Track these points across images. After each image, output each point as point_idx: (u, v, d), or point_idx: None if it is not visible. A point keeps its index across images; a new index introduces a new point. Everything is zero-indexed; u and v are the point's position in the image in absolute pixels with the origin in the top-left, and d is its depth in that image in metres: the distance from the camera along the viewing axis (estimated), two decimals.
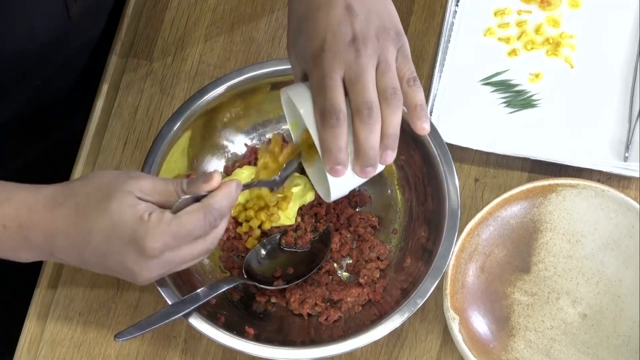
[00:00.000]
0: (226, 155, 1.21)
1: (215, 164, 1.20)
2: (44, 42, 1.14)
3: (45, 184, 1.01)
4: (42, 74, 1.19)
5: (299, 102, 1.00)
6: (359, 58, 0.97)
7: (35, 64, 1.16)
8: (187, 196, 0.99)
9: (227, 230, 1.18)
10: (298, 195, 1.16)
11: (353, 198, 1.20)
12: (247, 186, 1.07)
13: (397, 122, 0.98)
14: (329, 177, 1.01)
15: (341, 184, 1.02)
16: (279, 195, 1.14)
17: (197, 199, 1.00)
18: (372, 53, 0.98)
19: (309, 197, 1.18)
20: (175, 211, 0.98)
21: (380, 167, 1.00)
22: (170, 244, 0.98)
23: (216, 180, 1.00)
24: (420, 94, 1.00)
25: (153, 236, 0.97)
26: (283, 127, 1.21)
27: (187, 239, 0.99)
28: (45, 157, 1.30)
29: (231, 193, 1.00)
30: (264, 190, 1.14)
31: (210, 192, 1.00)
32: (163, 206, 0.99)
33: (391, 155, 0.99)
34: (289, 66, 1.09)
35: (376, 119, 0.97)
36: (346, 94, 0.98)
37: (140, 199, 0.98)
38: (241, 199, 1.17)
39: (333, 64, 0.97)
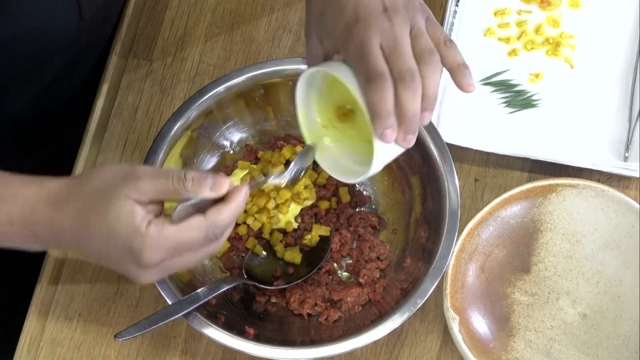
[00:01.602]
0: (226, 155, 1.21)
1: (215, 164, 1.20)
2: (56, 41, 1.14)
3: (48, 178, 1.00)
4: (51, 74, 1.19)
5: (338, 72, 0.98)
6: (393, 26, 0.97)
7: (46, 63, 1.17)
8: (189, 203, 0.97)
9: None
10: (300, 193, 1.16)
11: (353, 198, 1.20)
12: (254, 184, 1.04)
13: (437, 82, 0.98)
14: (376, 146, 0.98)
15: (384, 153, 1.00)
16: (287, 192, 1.14)
17: (200, 206, 0.98)
18: (404, 20, 0.98)
19: (309, 200, 1.18)
20: (176, 219, 0.97)
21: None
22: (168, 257, 0.97)
23: (224, 189, 0.98)
24: (459, 54, 1.00)
25: (150, 250, 0.96)
26: (283, 126, 1.21)
27: (186, 250, 0.98)
28: (50, 157, 1.30)
29: (239, 206, 0.99)
30: (270, 188, 1.14)
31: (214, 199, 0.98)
32: (164, 199, 0.98)
33: (429, 117, 0.98)
34: (289, 66, 1.09)
35: (418, 83, 0.96)
36: None
37: (139, 201, 0.96)
38: None
39: (369, 33, 0.97)
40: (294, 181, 1.07)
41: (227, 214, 0.98)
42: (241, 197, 0.99)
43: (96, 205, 0.97)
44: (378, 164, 1.01)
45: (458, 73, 0.99)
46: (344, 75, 0.98)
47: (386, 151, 1.00)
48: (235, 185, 0.99)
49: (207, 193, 0.98)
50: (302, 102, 1.04)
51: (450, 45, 0.99)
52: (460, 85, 0.99)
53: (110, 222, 0.96)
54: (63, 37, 1.15)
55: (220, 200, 0.99)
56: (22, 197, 0.99)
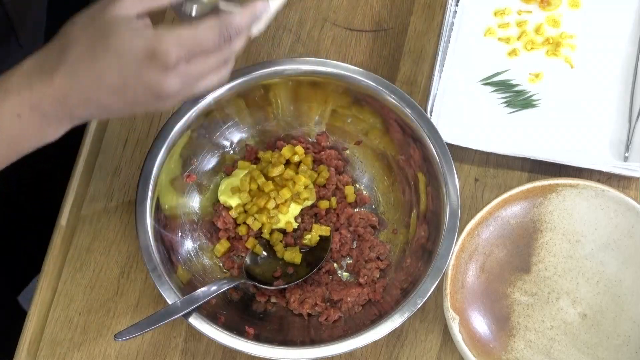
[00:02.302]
0: (226, 155, 1.21)
1: (215, 164, 1.20)
2: None
3: (26, 60, 0.97)
4: None
5: None
6: None
7: None
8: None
9: (227, 230, 1.18)
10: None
11: (353, 198, 1.20)
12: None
13: None
14: None
15: None
16: (287, 192, 1.14)
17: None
18: None
19: (310, 200, 1.18)
20: (184, 16, 0.95)
21: None
22: (184, 56, 0.95)
23: None
24: None
25: (168, 44, 0.93)
26: (283, 126, 1.21)
27: (199, 50, 0.96)
28: (50, 157, 1.30)
29: (255, 14, 0.97)
30: (261, 180, 1.14)
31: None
32: (151, 7, 0.96)
33: None
34: (289, 66, 1.09)
35: None
36: None
37: (130, 15, 0.94)
38: (242, 200, 1.18)
39: None
40: None
41: (240, 15, 0.96)
42: (258, 6, 0.98)
43: (93, 42, 0.94)
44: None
45: None
46: None
47: None
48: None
49: None
50: None
51: None
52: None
53: (116, 47, 0.93)
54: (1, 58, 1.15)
55: None
56: (15, 86, 0.96)
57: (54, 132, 0.99)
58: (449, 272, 1.12)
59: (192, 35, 0.95)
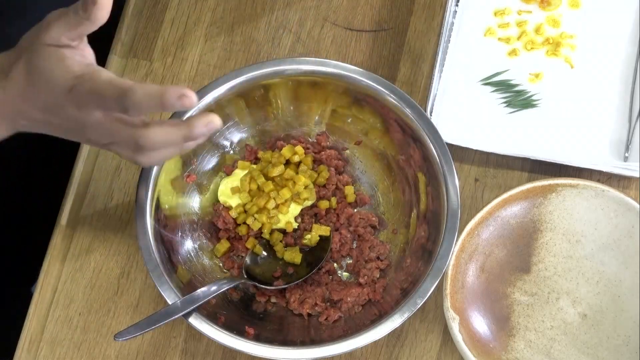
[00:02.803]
0: (226, 155, 1.21)
1: (215, 164, 1.20)
2: None
3: None
4: None
5: None
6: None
7: None
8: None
9: (227, 230, 1.18)
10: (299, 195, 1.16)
11: (353, 198, 1.20)
12: None
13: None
14: None
15: None
16: (287, 192, 1.14)
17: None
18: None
19: (310, 200, 1.18)
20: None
21: None
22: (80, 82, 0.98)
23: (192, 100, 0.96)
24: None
25: (82, 80, 0.96)
26: (283, 126, 1.21)
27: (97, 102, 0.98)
28: (50, 158, 1.30)
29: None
30: (261, 180, 1.14)
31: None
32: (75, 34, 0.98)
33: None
34: (289, 66, 1.09)
35: None
36: None
37: (57, 45, 0.98)
38: (242, 200, 1.18)
39: None
40: None
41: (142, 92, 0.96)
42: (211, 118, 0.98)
43: (28, 63, 0.98)
44: None
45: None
46: None
47: None
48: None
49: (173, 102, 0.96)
50: None
51: None
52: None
53: (41, 69, 0.97)
54: None
55: None
56: None
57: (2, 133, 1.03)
58: (449, 272, 1.12)
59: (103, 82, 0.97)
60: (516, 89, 1.23)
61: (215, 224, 1.18)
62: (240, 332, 1.10)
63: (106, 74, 0.97)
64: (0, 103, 1.00)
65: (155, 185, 1.13)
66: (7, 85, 0.99)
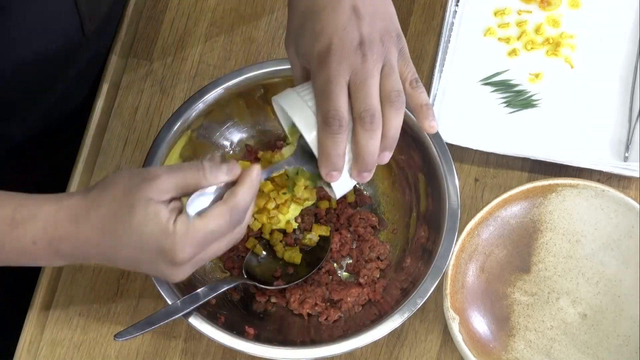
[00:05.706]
0: (226, 155, 1.21)
1: None
2: (59, 59, 1.14)
3: (66, 194, 1.00)
4: (55, 91, 1.19)
5: (293, 111, 1.01)
6: (365, 63, 0.97)
7: (49, 81, 1.17)
8: (200, 194, 0.97)
9: None
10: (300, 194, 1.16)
11: (353, 198, 1.20)
12: (268, 172, 1.05)
13: (398, 124, 0.99)
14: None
15: (341, 186, 1.02)
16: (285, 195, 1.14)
17: (213, 199, 0.98)
18: (377, 58, 0.98)
19: (310, 200, 1.18)
20: (192, 212, 0.96)
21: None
22: (199, 250, 0.97)
23: (238, 170, 0.98)
24: (423, 94, 1.00)
25: (182, 248, 0.96)
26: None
27: (212, 240, 0.98)
28: (49, 159, 1.30)
29: (253, 185, 0.98)
30: (268, 185, 1.14)
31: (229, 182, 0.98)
32: (185, 193, 0.97)
33: (388, 156, 1.00)
34: (289, 66, 1.08)
35: (377, 125, 0.97)
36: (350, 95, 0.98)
37: (161, 201, 0.96)
38: None
39: (339, 69, 0.97)
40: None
41: (243, 192, 0.97)
42: (253, 175, 0.98)
43: (120, 214, 0.96)
44: (337, 193, 1.03)
45: (421, 113, 1.01)
46: (297, 112, 1.00)
47: (343, 184, 1.02)
48: (247, 168, 1.00)
49: (224, 177, 0.97)
50: (283, 118, 1.07)
51: (416, 85, 1.00)
52: (422, 125, 1.01)
53: (137, 228, 0.95)
54: (66, 54, 1.15)
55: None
56: (42, 216, 0.98)
57: (61, 264, 1.02)
58: (449, 272, 1.12)
59: (204, 230, 0.96)
60: (516, 89, 1.23)
61: None
62: (240, 332, 1.10)
63: (190, 226, 0.96)
64: (72, 246, 0.98)
65: None
66: (82, 233, 0.97)
